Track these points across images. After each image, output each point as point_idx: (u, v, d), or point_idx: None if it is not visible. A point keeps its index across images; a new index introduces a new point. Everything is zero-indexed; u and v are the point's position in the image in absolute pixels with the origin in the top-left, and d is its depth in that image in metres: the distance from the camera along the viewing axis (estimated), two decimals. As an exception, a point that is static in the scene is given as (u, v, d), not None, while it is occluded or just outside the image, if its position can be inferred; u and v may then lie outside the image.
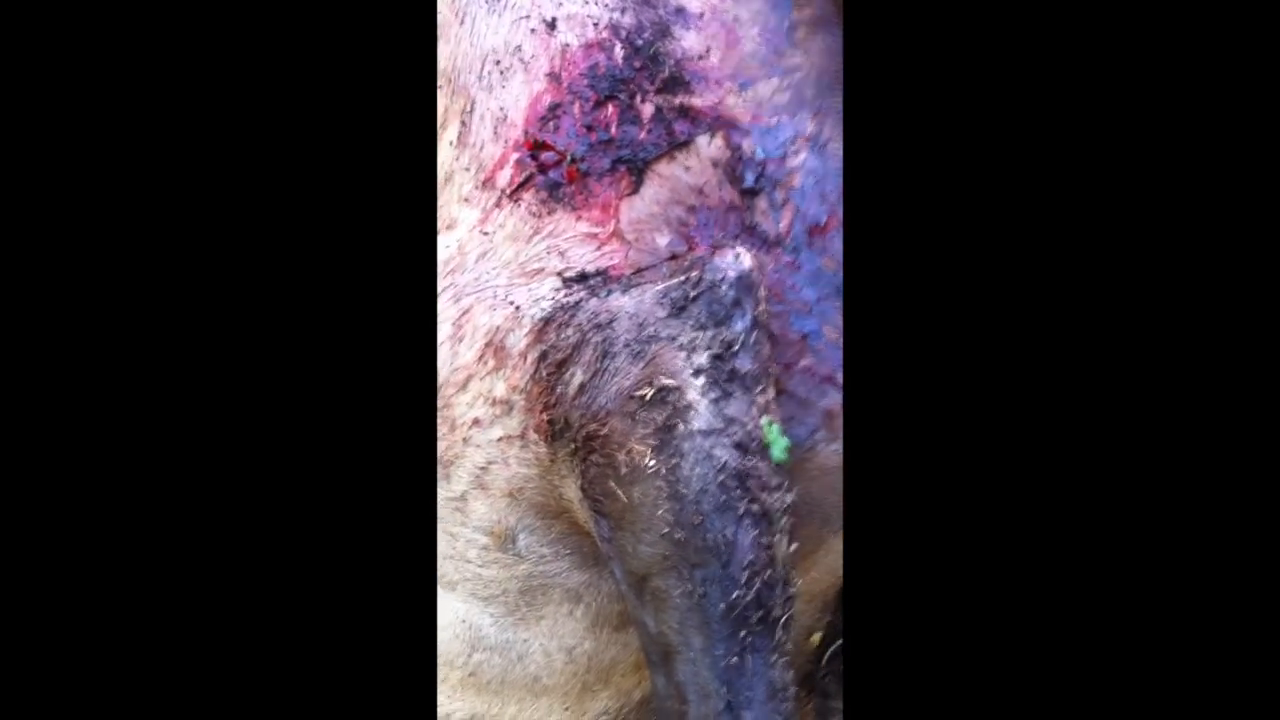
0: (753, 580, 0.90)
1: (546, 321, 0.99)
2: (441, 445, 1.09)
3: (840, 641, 1.14)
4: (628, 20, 0.98)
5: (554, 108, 0.99)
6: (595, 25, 0.99)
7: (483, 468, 1.08)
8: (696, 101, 0.97)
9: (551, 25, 1.00)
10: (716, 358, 0.92)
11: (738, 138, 0.97)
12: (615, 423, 0.94)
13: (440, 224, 1.06)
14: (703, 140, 0.97)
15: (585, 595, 1.12)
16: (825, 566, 1.09)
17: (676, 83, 0.97)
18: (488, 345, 1.03)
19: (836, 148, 0.97)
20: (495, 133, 1.02)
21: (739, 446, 0.91)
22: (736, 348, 0.93)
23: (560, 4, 1.00)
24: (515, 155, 1.01)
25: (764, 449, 0.92)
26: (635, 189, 0.98)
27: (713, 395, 0.92)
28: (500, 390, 1.03)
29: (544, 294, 1.00)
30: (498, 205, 1.02)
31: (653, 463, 0.92)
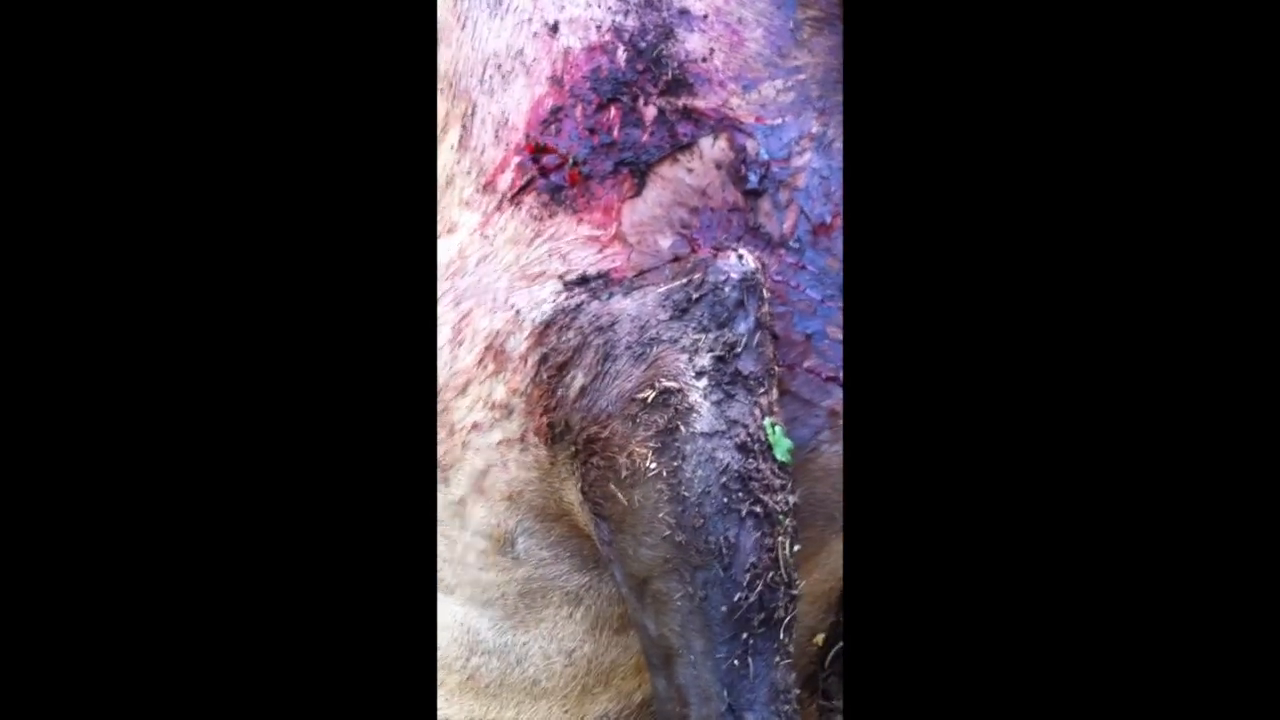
0: (755, 582, 0.90)
1: (547, 325, 0.99)
2: (440, 449, 1.08)
3: (841, 644, 1.14)
4: (631, 23, 0.98)
5: (556, 111, 0.99)
6: (598, 28, 0.99)
7: (482, 471, 1.07)
8: (700, 103, 0.98)
9: (554, 28, 1.00)
10: (719, 360, 0.92)
11: (741, 139, 0.97)
12: (616, 425, 0.94)
13: (441, 228, 1.06)
14: (706, 142, 0.97)
15: (585, 598, 1.12)
16: (829, 568, 1.09)
17: (680, 85, 0.98)
18: (488, 349, 1.03)
19: (841, 147, 0.98)
20: (496, 136, 1.02)
21: (741, 448, 0.91)
22: (739, 349, 0.93)
23: (563, 7, 1.00)
24: (517, 159, 1.01)
25: (767, 450, 0.92)
26: (638, 191, 0.98)
27: (715, 397, 0.91)
28: (500, 394, 1.03)
29: (545, 297, 1.00)
30: (499, 209, 1.02)
31: (654, 465, 0.92)
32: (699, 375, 0.92)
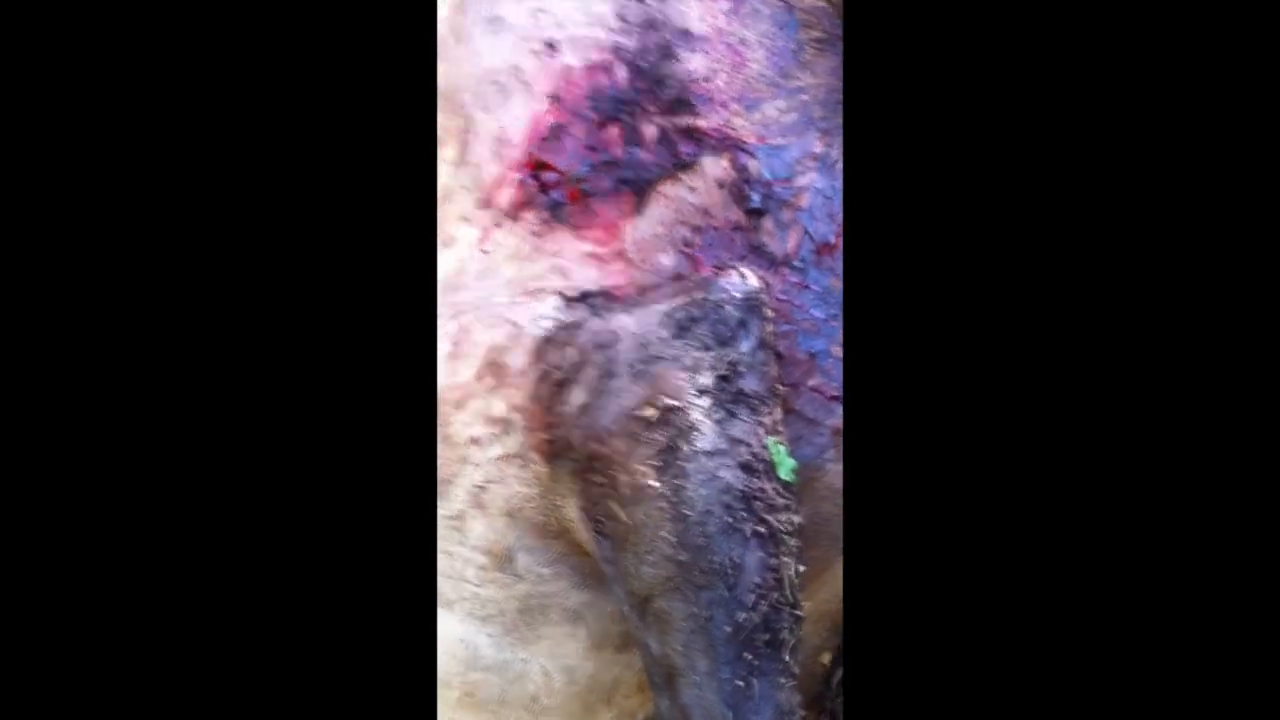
0: (759, 603, 0.90)
1: (547, 341, 0.99)
2: (439, 463, 1.08)
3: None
4: (631, 43, 0.98)
5: (556, 128, 0.99)
6: (598, 47, 0.99)
7: (481, 486, 1.07)
8: (702, 123, 0.98)
9: (553, 47, 1.00)
10: (721, 378, 0.92)
11: (744, 159, 0.97)
12: (617, 443, 0.94)
13: (440, 242, 1.06)
14: (708, 161, 0.98)
15: (585, 615, 1.12)
16: (834, 587, 1.09)
17: (681, 104, 0.98)
18: (487, 364, 1.03)
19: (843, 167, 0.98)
20: (495, 152, 1.02)
21: (745, 467, 0.91)
22: (742, 368, 0.93)
23: (562, 26, 1.00)
24: (516, 175, 1.01)
25: (771, 470, 0.92)
26: (639, 209, 0.98)
27: (717, 416, 0.91)
28: (499, 409, 1.03)
29: (545, 313, 1.00)
30: (498, 224, 1.02)
31: (656, 483, 0.92)
32: (701, 394, 0.92)
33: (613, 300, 0.98)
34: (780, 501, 0.92)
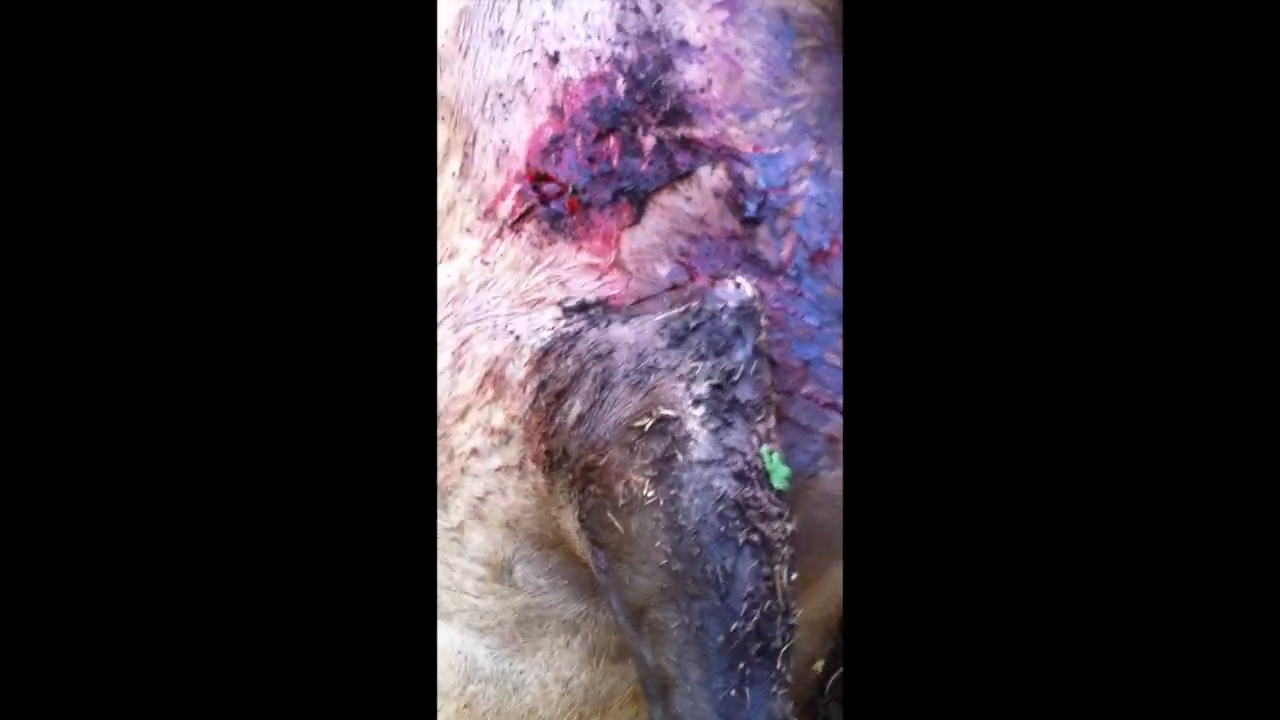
0: (752, 612, 0.90)
1: (546, 351, 1.00)
2: (439, 475, 1.08)
3: (841, 669, 1.13)
4: (630, 54, 0.99)
5: (556, 140, 1.00)
6: (597, 59, 1.00)
7: (480, 498, 1.07)
8: (698, 133, 0.98)
9: (554, 59, 1.01)
10: (716, 388, 0.92)
11: (739, 168, 0.98)
12: (614, 453, 0.94)
13: (442, 253, 1.07)
14: (704, 171, 0.98)
15: (582, 626, 1.11)
16: (828, 594, 1.09)
17: (678, 115, 0.98)
18: (487, 375, 1.03)
19: (839, 174, 0.98)
20: (497, 164, 1.03)
21: (739, 477, 0.91)
22: (737, 378, 0.93)
23: (563, 38, 1.01)
24: (517, 186, 1.02)
25: (764, 478, 0.92)
26: (637, 220, 0.98)
27: (712, 425, 0.91)
28: (499, 420, 1.03)
29: (544, 324, 1.00)
30: (499, 235, 1.03)
31: (651, 494, 0.91)
32: (696, 403, 0.92)
33: (610, 310, 0.99)
34: (774, 510, 0.92)
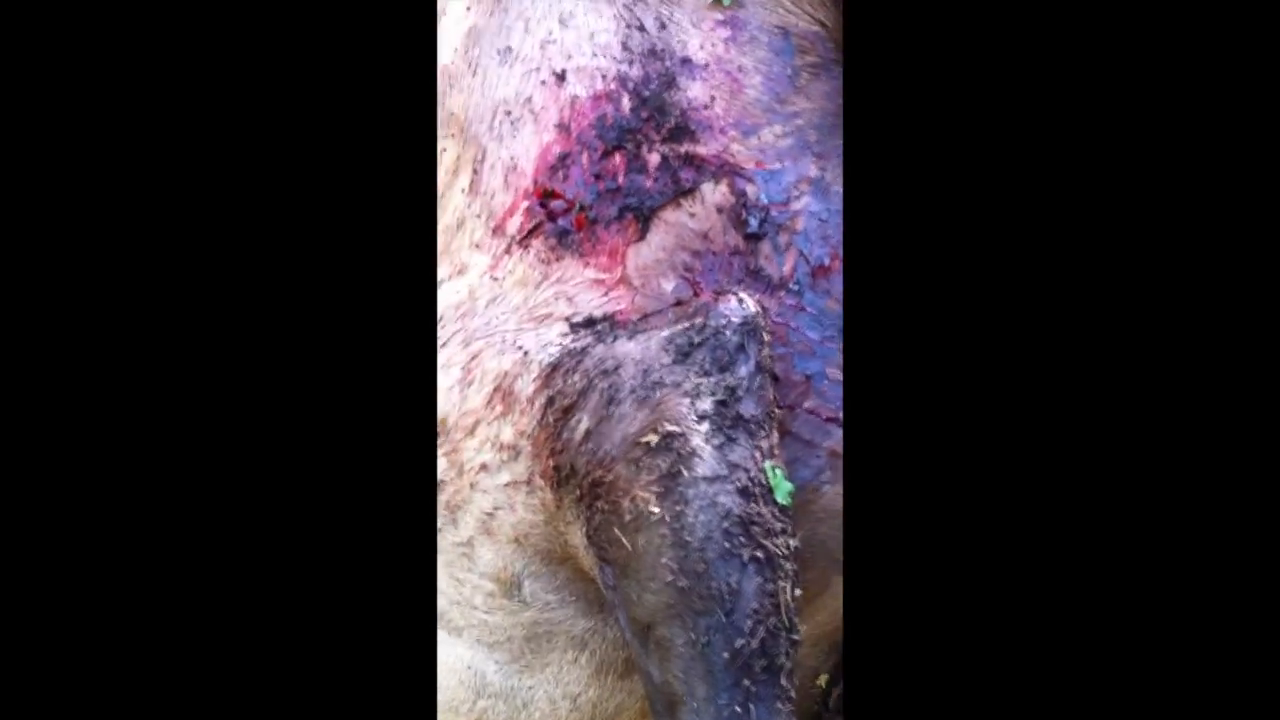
0: (757, 629, 0.89)
1: (554, 367, 1.00)
2: (449, 490, 1.09)
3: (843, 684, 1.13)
4: (635, 72, 1.00)
5: (563, 157, 1.01)
6: (603, 77, 1.00)
7: (489, 513, 1.07)
8: (701, 149, 0.99)
9: (561, 77, 1.02)
10: (720, 404, 0.92)
11: (742, 184, 0.98)
12: (620, 469, 0.94)
13: (452, 269, 1.07)
14: (708, 187, 0.98)
15: (590, 642, 1.11)
16: (831, 609, 1.08)
17: (682, 131, 0.99)
18: (496, 390, 1.03)
19: (839, 189, 0.98)
20: (506, 181, 1.04)
21: (743, 493, 0.91)
22: (740, 393, 0.93)
23: (569, 56, 1.02)
24: (525, 203, 1.02)
25: (768, 493, 0.92)
26: (642, 235, 0.99)
27: (716, 441, 0.91)
28: (508, 435, 1.03)
29: (551, 339, 1.01)
30: (508, 251, 1.04)
31: (657, 510, 0.91)
32: (701, 419, 0.92)
33: (617, 325, 0.99)
34: (778, 526, 0.91)
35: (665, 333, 0.96)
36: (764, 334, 0.95)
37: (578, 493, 0.98)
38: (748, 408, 0.93)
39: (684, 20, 1.01)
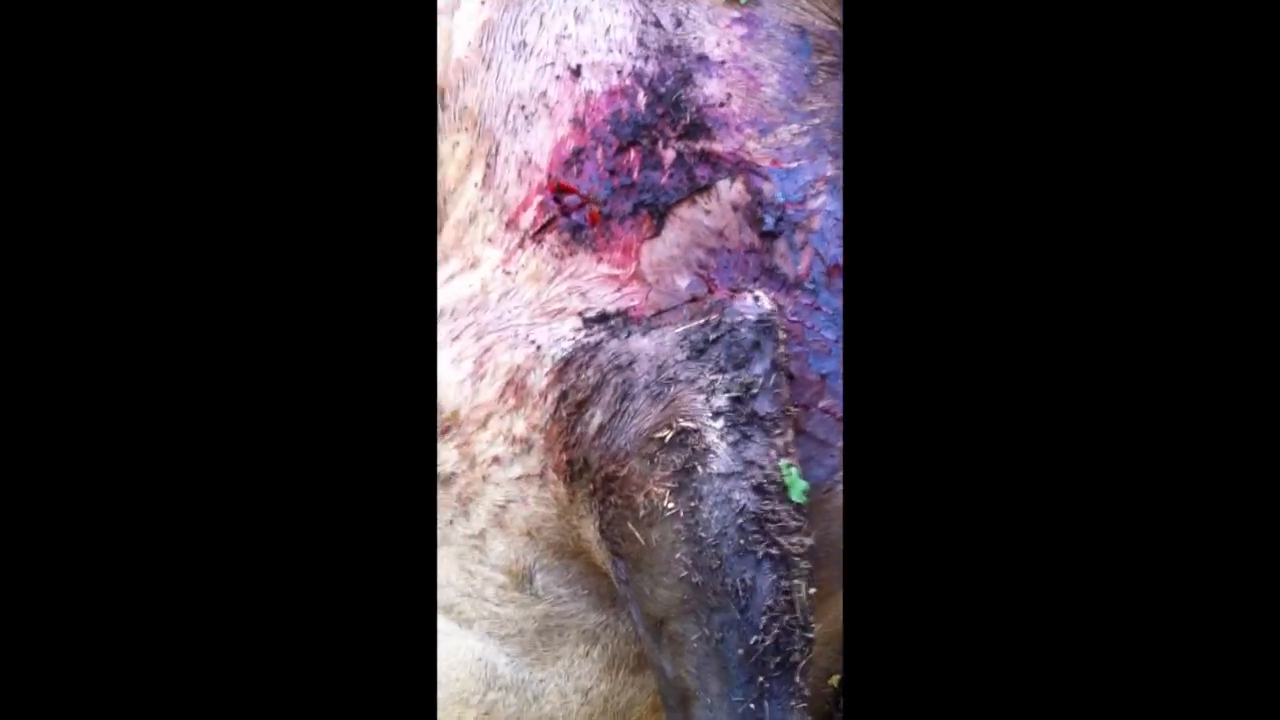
0: (771, 626, 0.90)
1: (567, 361, 1.00)
2: (461, 482, 1.09)
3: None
4: (650, 68, 1.00)
5: (578, 152, 1.01)
6: (619, 73, 1.00)
7: (501, 506, 1.08)
8: (717, 147, 0.99)
9: (576, 72, 1.02)
10: (735, 400, 0.92)
11: (758, 182, 0.98)
12: (634, 464, 0.94)
13: (464, 263, 1.08)
14: (723, 184, 0.98)
15: (602, 636, 1.11)
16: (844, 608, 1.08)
17: (698, 128, 0.99)
18: (509, 383, 1.04)
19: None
20: (519, 175, 1.04)
21: (758, 490, 0.91)
22: (755, 390, 0.93)
23: (584, 51, 1.02)
24: (539, 198, 1.02)
25: (783, 492, 0.92)
26: (656, 232, 0.99)
27: (731, 438, 0.92)
28: (520, 429, 1.04)
29: (564, 334, 1.01)
30: (521, 246, 1.04)
31: (671, 505, 0.92)
32: (716, 416, 0.92)
33: (630, 321, 0.99)
34: (793, 524, 0.92)
35: (680, 329, 0.96)
36: (780, 332, 0.95)
37: (591, 487, 0.99)
38: (763, 405, 0.93)
39: (700, 17, 1.01)
